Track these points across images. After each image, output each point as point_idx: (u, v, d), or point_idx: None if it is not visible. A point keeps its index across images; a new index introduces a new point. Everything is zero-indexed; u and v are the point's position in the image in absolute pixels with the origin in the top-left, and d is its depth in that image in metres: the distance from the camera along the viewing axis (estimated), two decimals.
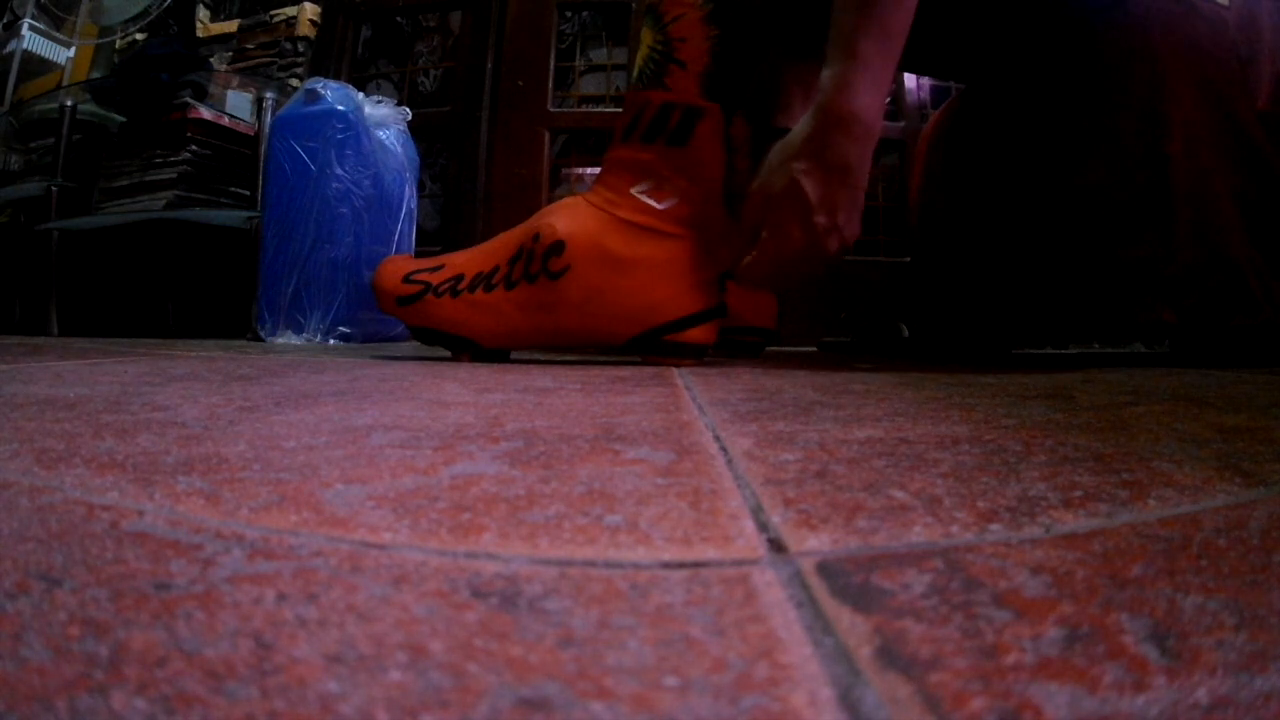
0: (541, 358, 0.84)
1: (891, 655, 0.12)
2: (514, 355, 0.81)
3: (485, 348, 0.75)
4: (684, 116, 0.72)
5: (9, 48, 2.10)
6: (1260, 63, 0.83)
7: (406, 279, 0.75)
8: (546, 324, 0.73)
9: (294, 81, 1.85)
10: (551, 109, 1.79)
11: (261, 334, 1.36)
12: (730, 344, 0.99)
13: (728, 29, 0.72)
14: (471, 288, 0.73)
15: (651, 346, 0.73)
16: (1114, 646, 0.12)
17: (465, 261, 0.75)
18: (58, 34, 2.17)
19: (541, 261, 0.72)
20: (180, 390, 0.45)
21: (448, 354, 0.77)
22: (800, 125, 0.69)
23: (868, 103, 0.66)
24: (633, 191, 0.73)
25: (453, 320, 0.74)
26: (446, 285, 0.74)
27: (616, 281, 0.71)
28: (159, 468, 0.24)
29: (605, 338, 0.74)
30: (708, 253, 0.73)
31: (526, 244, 0.73)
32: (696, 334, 0.73)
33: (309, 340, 1.33)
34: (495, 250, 0.75)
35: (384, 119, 1.44)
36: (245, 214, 1.50)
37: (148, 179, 1.58)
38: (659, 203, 0.72)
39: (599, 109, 1.83)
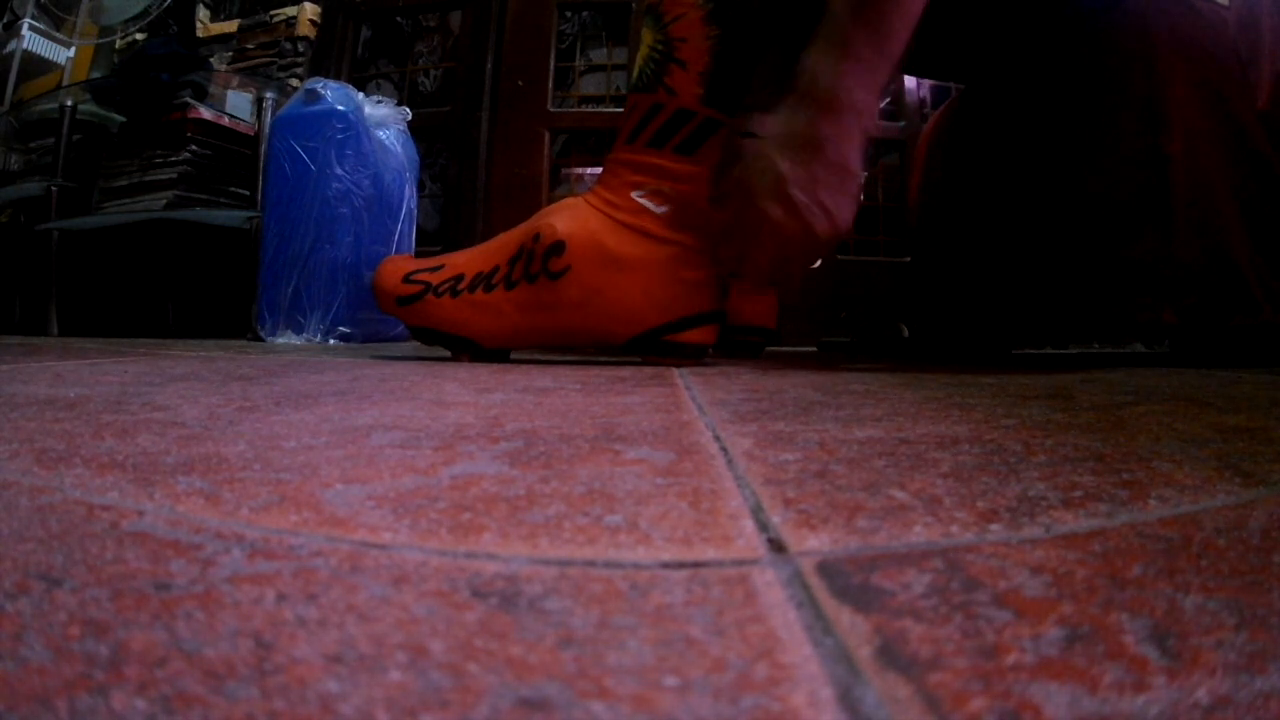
0: (541, 358, 0.84)
1: (891, 655, 0.12)
2: (514, 355, 0.81)
3: (485, 348, 0.75)
4: (698, 127, 0.72)
5: (9, 48, 2.10)
6: (1260, 63, 0.83)
7: (407, 279, 0.75)
8: (546, 324, 0.73)
9: (294, 81, 1.85)
10: (551, 109, 1.79)
11: (261, 334, 1.36)
12: (730, 344, 0.99)
13: (728, 28, 0.72)
14: (471, 288, 0.73)
15: (651, 347, 0.73)
16: (1114, 646, 0.12)
17: (465, 261, 0.75)
18: (58, 34, 2.17)
19: (541, 261, 0.72)
20: (180, 390, 0.45)
21: (448, 354, 0.77)
22: (778, 112, 0.67)
23: (857, 94, 0.64)
24: (633, 195, 0.73)
25: (453, 320, 0.74)
26: (446, 285, 0.74)
27: (616, 281, 0.71)
28: (159, 468, 0.24)
29: (605, 337, 0.74)
30: (708, 256, 0.73)
31: (527, 244, 0.73)
32: (696, 335, 0.73)
33: (309, 340, 1.33)
34: (495, 250, 0.75)
35: (384, 119, 1.44)
36: (245, 214, 1.50)
37: (148, 179, 1.58)
38: (656, 207, 0.72)
39: (599, 109, 1.83)
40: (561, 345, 0.79)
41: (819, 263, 0.71)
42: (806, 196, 0.65)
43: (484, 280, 0.73)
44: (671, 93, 0.72)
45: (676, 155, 0.72)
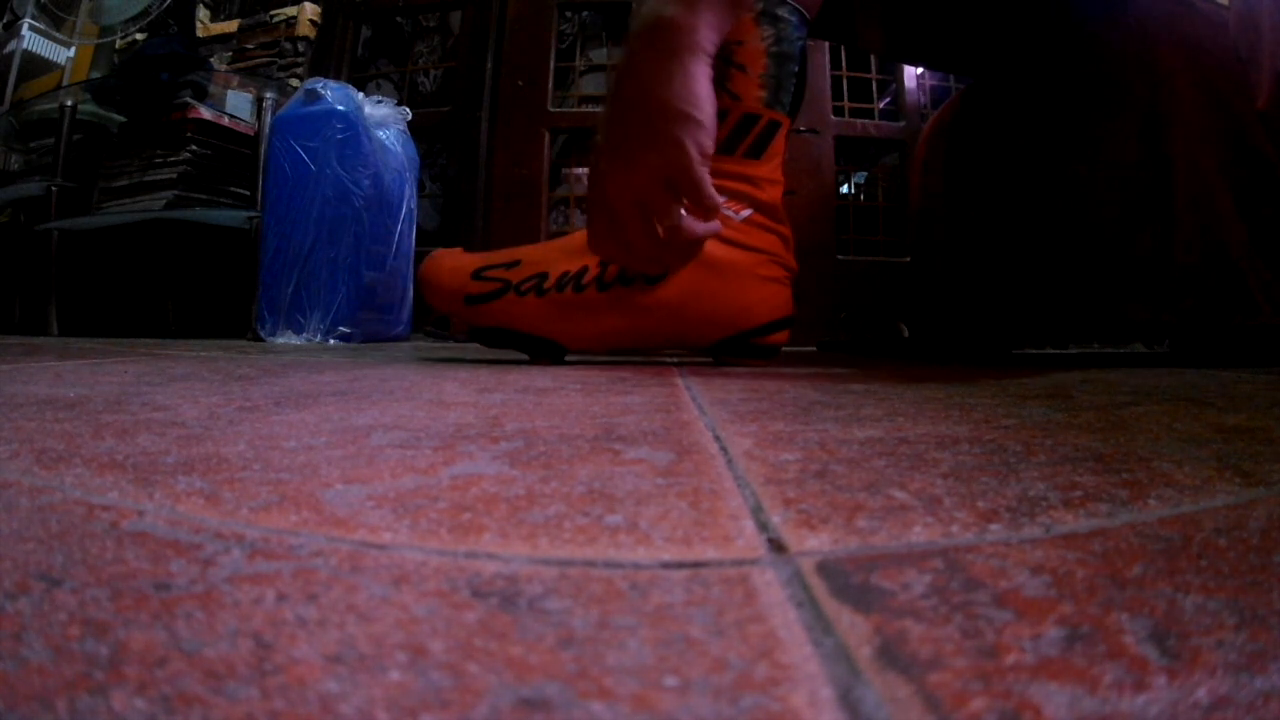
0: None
1: (891, 655, 0.12)
2: (513, 356, 0.81)
3: (570, 350, 0.73)
4: (764, 129, 0.72)
5: (9, 48, 2.10)
6: (1260, 63, 0.83)
7: (477, 275, 0.72)
8: (638, 327, 0.72)
9: (294, 81, 1.85)
10: (551, 109, 1.79)
11: (261, 334, 1.36)
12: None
13: (780, 29, 0.72)
14: (559, 287, 0.70)
15: (739, 349, 0.74)
16: (1114, 646, 0.12)
17: (543, 258, 0.72)
18: (58, 34, 2.18)
19: None
20: (180, 390, 0.45)
21: (448, 355, 0.77)
22: None
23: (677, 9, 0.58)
24: None
25: (537, 321, 0.71)
26: (530, 283, 0.70)
27: (713, 286, 0.71)
28: (159, 468, 0.24)
29: (694, 340, 0.74)
30: (785, 259, 0.74)
31: None
32: (779, 337, 0.75)
33: (309, 340, 1.33)
34: (579, 249, 0.71)
35: (384, 119, 1.44)
36: (245, 214, 1.50)
37: (148, 179, 1.59)
38: (736, 214, 0.72)
39: (599, 109, 1.83)
40: (644, 348, 0.79)
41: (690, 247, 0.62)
42: (607, 140, 0.59)
43: (572, 280, 0.70)
44: (735, 98, 0.71)
45: (746, 160, 0.72)
